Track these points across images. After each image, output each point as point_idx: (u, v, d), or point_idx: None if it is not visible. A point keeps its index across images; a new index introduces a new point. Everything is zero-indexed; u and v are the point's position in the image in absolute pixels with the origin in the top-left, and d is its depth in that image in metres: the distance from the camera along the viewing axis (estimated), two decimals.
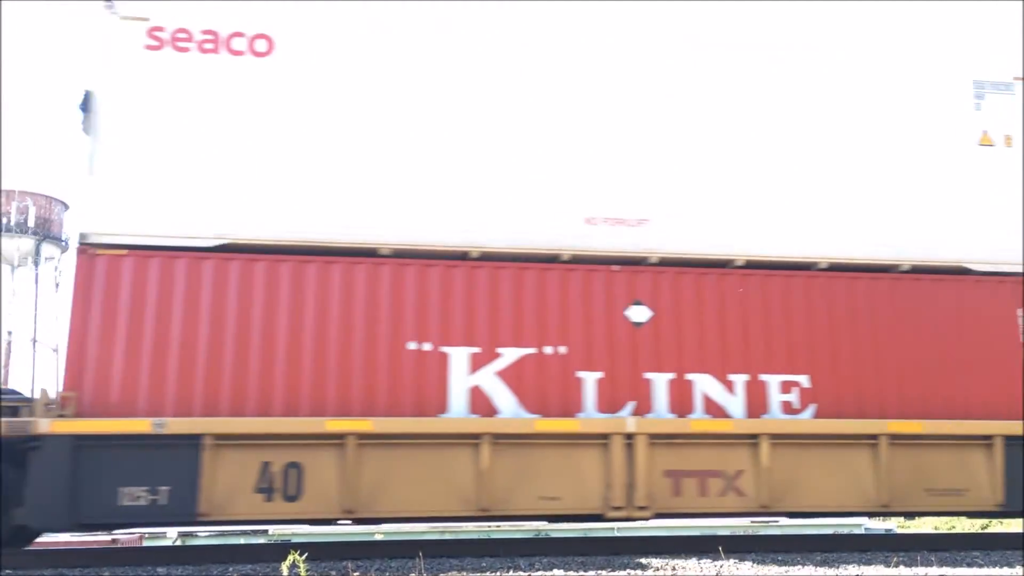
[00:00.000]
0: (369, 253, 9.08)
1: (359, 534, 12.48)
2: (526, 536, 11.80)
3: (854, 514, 9.83)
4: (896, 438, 9.29)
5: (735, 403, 9.33)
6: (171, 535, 14.31)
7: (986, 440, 9.45)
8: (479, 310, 9.11)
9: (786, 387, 9.46)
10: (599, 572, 7.26)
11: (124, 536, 13.38)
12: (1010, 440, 9.47)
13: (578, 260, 9.40)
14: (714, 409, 9.28)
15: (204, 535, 14.17)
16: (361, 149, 9.21)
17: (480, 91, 9.55)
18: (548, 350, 9.14)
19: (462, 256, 9.23)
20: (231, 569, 7.51)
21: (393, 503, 8.53)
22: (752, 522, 14.28)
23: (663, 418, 9.08)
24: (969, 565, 7.85)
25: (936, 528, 15.88)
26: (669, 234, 9.61)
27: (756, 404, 9.36)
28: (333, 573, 7.16)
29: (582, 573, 7.20)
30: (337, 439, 8.44)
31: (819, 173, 10.01)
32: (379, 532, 13.33)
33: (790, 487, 9.16)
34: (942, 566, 7.63)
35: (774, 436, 9.11)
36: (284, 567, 6.54)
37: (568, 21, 9.78)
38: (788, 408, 9.41)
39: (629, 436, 8.88)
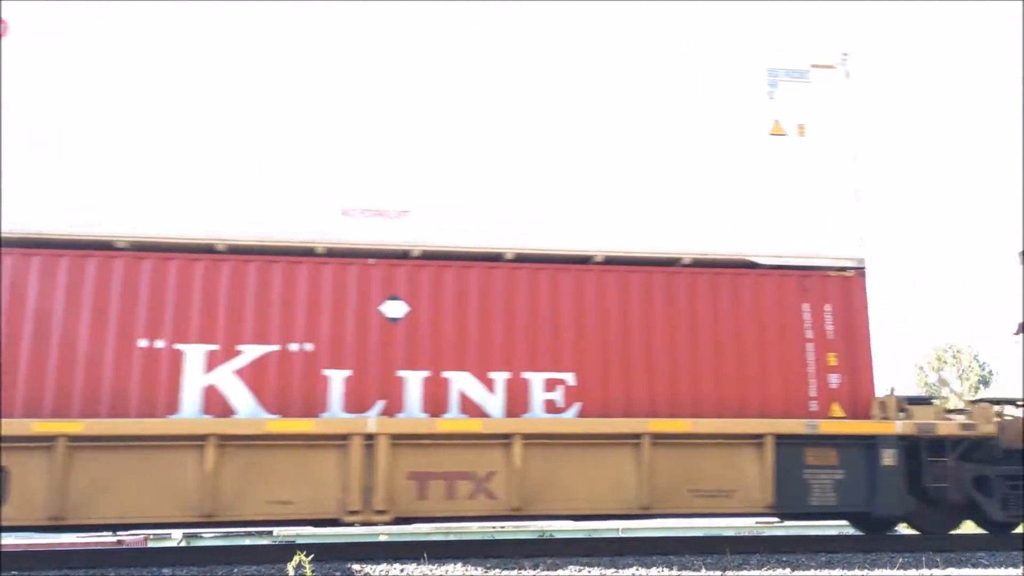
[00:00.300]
0: (104, 246, 8.65)
1: (363, 535, 12.62)
2: (531, 537, 11.95)
3: (613, 517, 9.47)
4: (660, 437, 8.94)
5: (494, 402, 8.96)
6: (176, 536, 14.09)
7: (758, 439, 9.12)
8: (220, 306, 8.68)
9: (550, 385, 9.08)
10: (603, 572, 7.20)
11: (129, 537, 13.26)
12: (783, 439, 9.15)
13: (334, 253, 9.01)
14: (471, 408, 8.90)
15: (209, 536, 14.11)
16: (94, 136, 8.77)
17: (229, 77, 9.13)
18: (293, 347, 8.73)
19: (208, 249, 8.82)
20: (236, 570, 7.41)
21: (108, 509, 8.08)
22: (757, 522, 14.21)
23: (408, 418, 8.69)
24: (974, 566, 7.73)
25: None
26: (433, 226, 9.22)
27: (517, 403, 8.98)
28: (338, 574, 7.11)
29: (586, 572, 7.11)
30: (47, 442, 7.99)
31: (598, 165, 9.64)
32: (384, 533, 13.36)
33: (545, 489, 8.78)
34: (947, 567, 7.52)
35: (528, 436, 8.73)
36: (290, 568, 6.61)
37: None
38: (551, 407, 9.04)
39: (370, 437, 8.48)
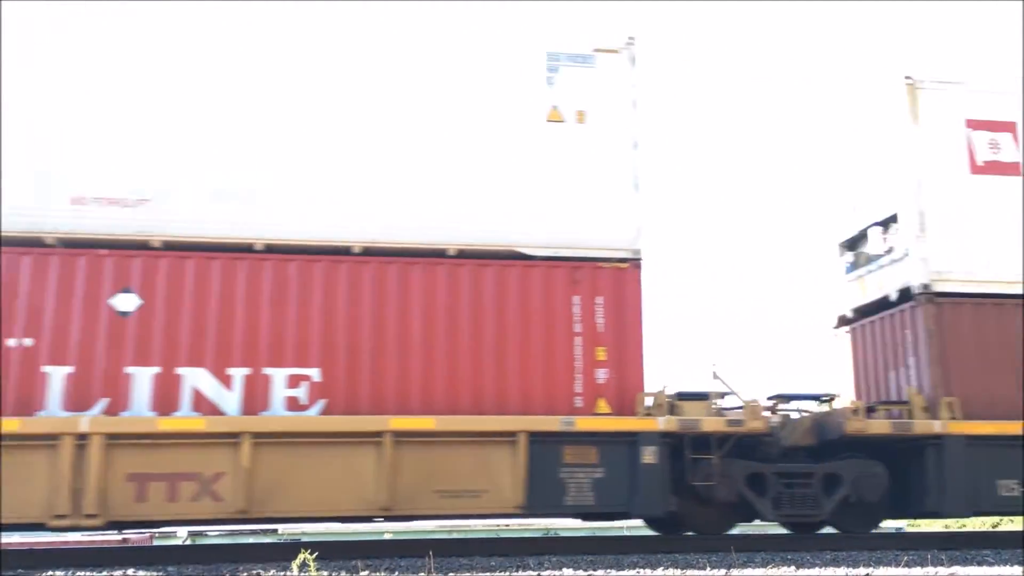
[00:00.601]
0: None
1: (368, 533, 12.74)
2: (535, 535, 11.92)
3: (354, 519, 9.09)
4: (403, 435, 8.56)
5: (231, 399, 8.55)
6: (181, 534, 14.28)
7: (511, 437, 8.76)
8: None
9: (294, 381, 8.69)
10: (608, 571, 7.03)
11: (134, 535, 13.52)
12: (538, 437, 8.79)
13: (68, 243, 8.57)
14: (205, 406, 8.49)
15: (214, 534, 14.28)
16: None
17: None
18: (11, 343, 8.29)
19: None
20: (241, 568, 7.35)
21: None
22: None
23: (128, 416, 8.27)
24: (980, 563, 7.60)
25: (947, 526, 16.05)
26: (175, 216, 8.81)
27: (256, 400, 8.58)
28: (343, 572, 7.05)
29: (591, 572, 6.98)
30: None
31: (361, 151, 9.26)
32: (388, 531, 13.50)
33: (277, 490, 8.38)
34: (952, 564, 7.36)
35: (258, 435, 8.34)
36: (295, 566, 6.59)
37: None
38: (294, 404, 8.65)
39: (84, 437, 8.06)
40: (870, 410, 9.80)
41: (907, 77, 10.47)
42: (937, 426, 9.42)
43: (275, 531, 13.96)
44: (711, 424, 9.12)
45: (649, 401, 9.21)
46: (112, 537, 13.04)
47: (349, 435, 8.52)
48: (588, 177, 9.59)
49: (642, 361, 9.27)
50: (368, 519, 8.96)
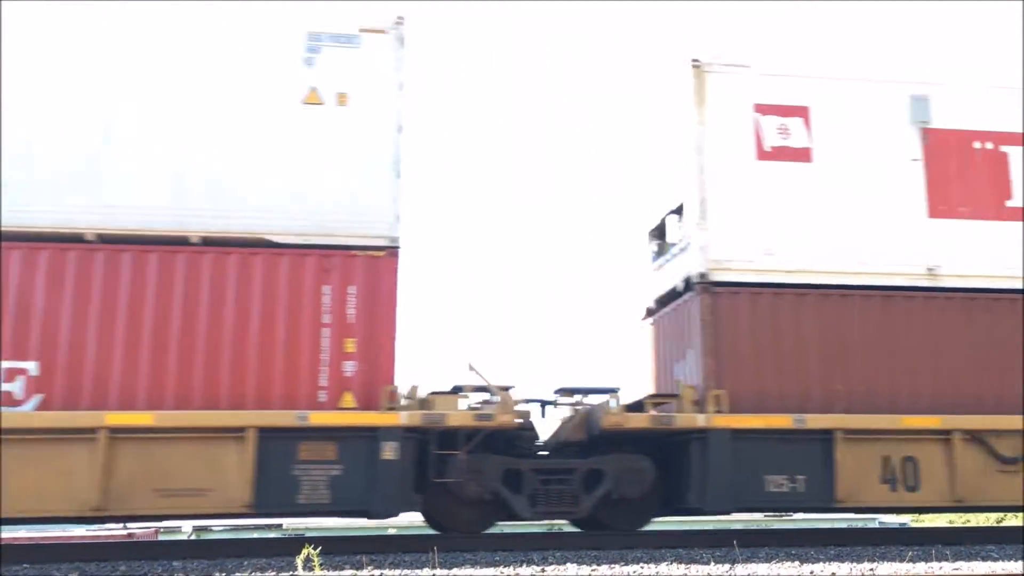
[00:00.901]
0: None
1: (372, 528, 12.72)
2: (539, 531, 11.62)
3: (66, 521, 8.72)
4: (120, 432, 8.18)
5: None
6: (186, 529, 14.30)
7: (240, 433, 8.38)
8: None
9: (9, 375, 8.28)
10: (612, 566, 7.03)
11: (139, 531, 13.48)
12: (270, 432, 8.42)
13: None
14: None
15: (218, 529, 14.31)
16: None
17: None
18: None
19: None
20: (246, 563, 7.36)
21: None
22: (765, 516, 14.14)
23: None
24: (984, 558, 7.62)
25: (951, 522, 16.30)
26: None
27: None
28: (347, 567, 7.05)
29: (595, 568, 6.97)
30: None
31: (84, 133, 8.87)
32: (392, 526, 13.39)
33: None
34: (956, 559, 7.37)
35: None
36: (299, 560, 6.61)
37: None
38: (9, 399, 8.24)
39: None
40: (638, 405, 9.50)
41: (694, 60, 10.14)
42: (701, 420, 9.12)
43: (279, 526, 13.99)
44: (458, 419, 8.78)
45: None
46: (117, 532, 13.30)
47: (61, 431, 8.12)
48: (345, 162, 9.22)
49: (393, 354, 8.91)
50: (82, 520, 8.57)
